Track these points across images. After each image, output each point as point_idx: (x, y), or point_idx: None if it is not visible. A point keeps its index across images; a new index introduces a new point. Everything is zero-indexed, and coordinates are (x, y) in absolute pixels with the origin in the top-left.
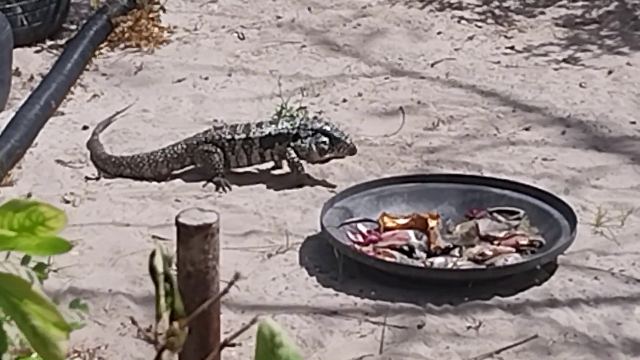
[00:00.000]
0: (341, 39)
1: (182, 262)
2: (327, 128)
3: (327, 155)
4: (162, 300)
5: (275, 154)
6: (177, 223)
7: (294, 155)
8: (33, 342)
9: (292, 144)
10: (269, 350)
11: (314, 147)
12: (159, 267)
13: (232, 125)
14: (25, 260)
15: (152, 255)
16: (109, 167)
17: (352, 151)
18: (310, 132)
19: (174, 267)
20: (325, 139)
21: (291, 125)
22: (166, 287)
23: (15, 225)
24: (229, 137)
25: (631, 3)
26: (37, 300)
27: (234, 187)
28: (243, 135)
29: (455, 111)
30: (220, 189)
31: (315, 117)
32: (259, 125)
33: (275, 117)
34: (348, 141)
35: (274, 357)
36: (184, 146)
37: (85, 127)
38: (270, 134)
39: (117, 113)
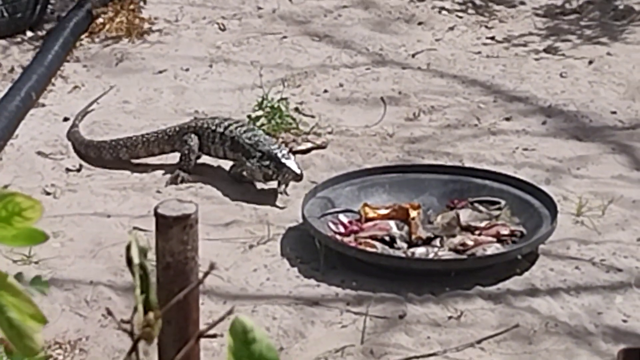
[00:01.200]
0: (322, 30)
1: (161, 253)
2: (276, 152)
3: (273, 180)
4: (138, 292)
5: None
6: (156, 214)
7: (239, 170)
8: (9, 334)
9: (243, 158)
10: (243, 346)
11: (258, 171)
12: (135, 258)
13: (225, 118)
14: None
15: (129, 246)
16: (106, 152)
17: (297, 178)
18: (258, 154)
19: (152, 258)
20: (270, 164)
21: (249, 139)
22: (142, 278)
23: None
24: (212, 127)
25: None
26: (14, 292)
27: (214, 178)
28: (221, 130)
29: (436, 101)
30: (183, 162)
31: (267, 134)
32: (240, 126)
33: (257, 108)
34: (294, 167)
35: (248, 353)
36: (177, 129)
37: (66, 119)
38: (233, 137)
39: (95, 100)
